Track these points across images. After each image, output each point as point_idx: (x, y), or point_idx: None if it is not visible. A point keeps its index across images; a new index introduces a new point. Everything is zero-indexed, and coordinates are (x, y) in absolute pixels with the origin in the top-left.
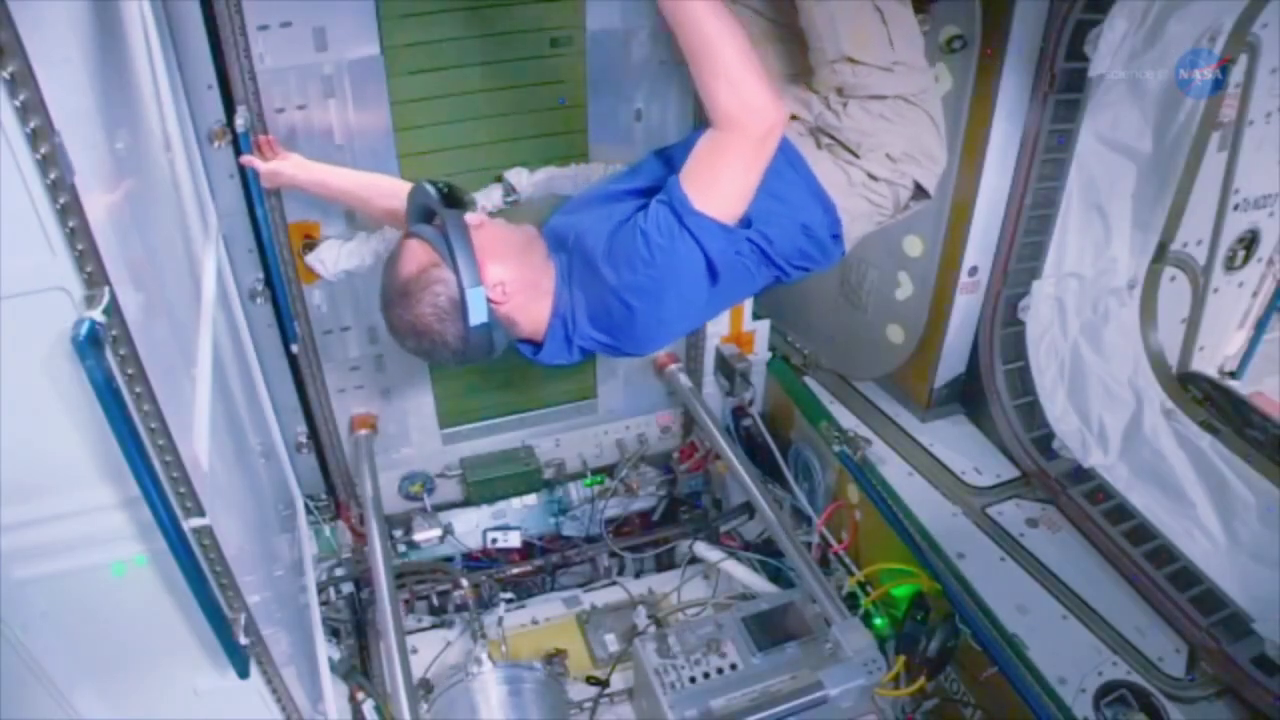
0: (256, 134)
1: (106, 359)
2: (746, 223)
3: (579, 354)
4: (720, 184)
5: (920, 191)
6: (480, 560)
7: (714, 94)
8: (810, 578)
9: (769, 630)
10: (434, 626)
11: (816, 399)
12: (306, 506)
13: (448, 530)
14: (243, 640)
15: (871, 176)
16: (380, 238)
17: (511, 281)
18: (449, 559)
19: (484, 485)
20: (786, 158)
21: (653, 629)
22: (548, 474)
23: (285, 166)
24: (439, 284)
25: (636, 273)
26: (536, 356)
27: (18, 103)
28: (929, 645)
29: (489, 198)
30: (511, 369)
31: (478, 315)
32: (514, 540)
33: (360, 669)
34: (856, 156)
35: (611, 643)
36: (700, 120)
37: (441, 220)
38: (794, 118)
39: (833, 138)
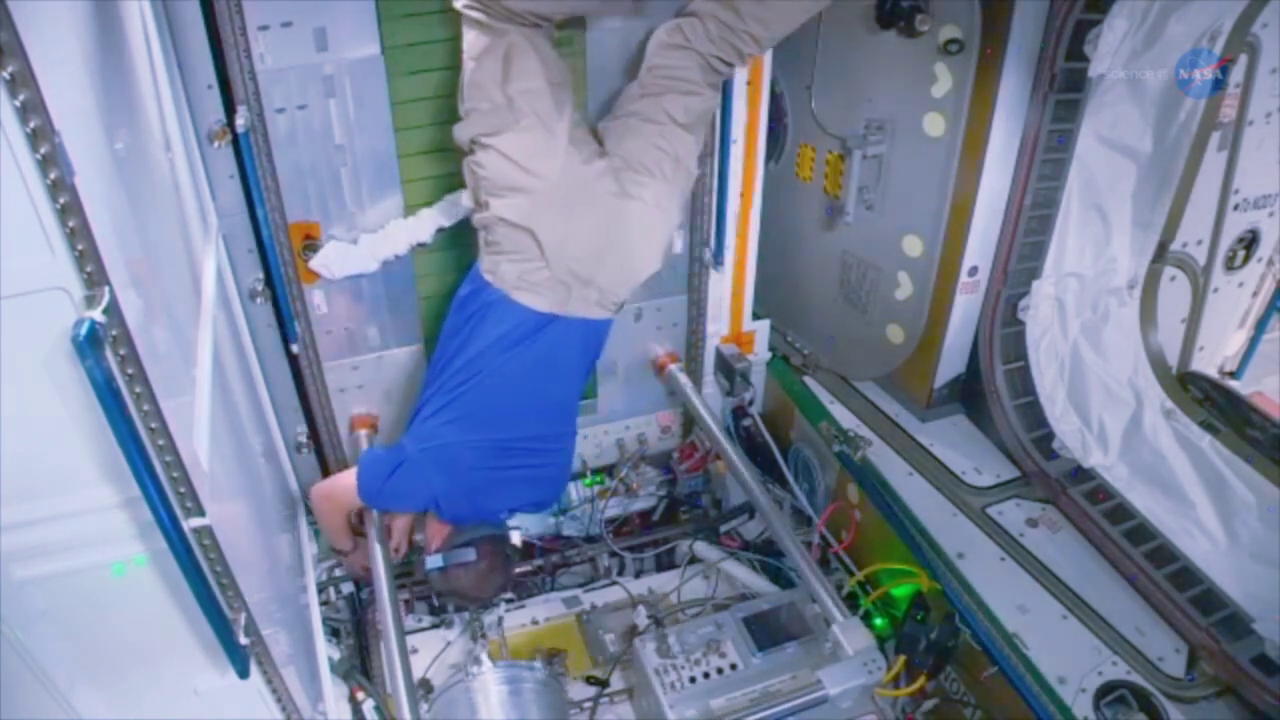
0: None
1: (106, 359)
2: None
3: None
4: None
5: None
6: None
7: None
8: (811, 577)
9: (769, 630)
10: (434, 626)
11: (816, 399)
12: (307, 506)
13: None
14: (243, 640)
15: (476, 229)
16: (384, 237)
17: None
18: None
19: None
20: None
21: (653, 629)
22: None
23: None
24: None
25: None
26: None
27: (18, 103)
28: (929, 645)
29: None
30: None
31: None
32: (514, 540)
33: (360, 669)
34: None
35: (611, 643)
36: None
37: None
38: None
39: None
